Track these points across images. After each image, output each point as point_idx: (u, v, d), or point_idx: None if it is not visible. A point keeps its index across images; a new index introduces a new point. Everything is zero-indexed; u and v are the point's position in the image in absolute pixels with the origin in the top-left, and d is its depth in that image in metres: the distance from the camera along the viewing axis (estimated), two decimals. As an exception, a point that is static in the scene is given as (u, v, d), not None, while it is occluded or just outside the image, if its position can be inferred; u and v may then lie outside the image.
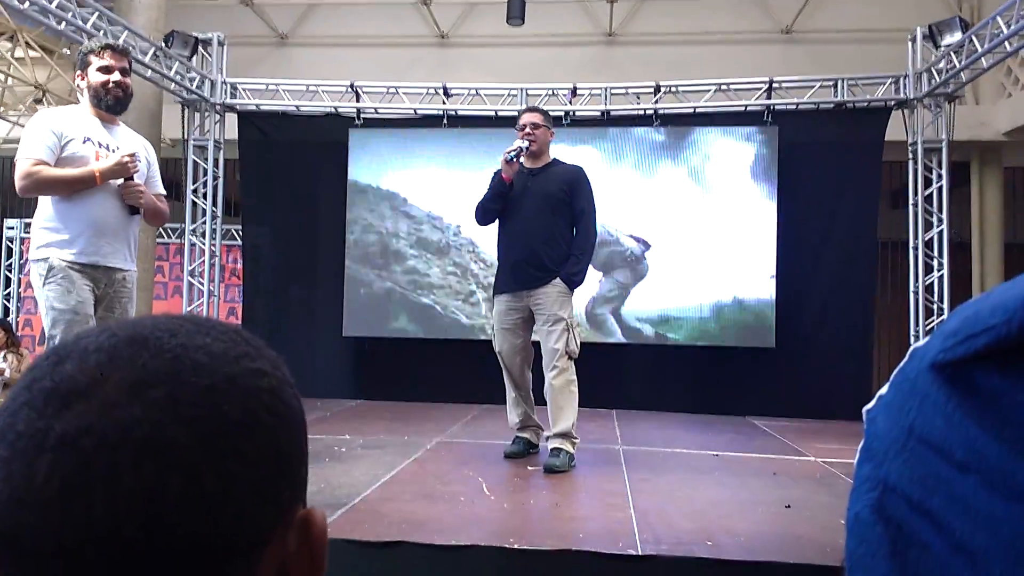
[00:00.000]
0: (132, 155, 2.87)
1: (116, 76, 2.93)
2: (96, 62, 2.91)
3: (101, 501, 0.34)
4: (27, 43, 7.13)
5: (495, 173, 3.75)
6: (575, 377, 3.60)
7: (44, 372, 0.37)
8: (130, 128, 3.16)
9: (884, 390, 0.29)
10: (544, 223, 3.64)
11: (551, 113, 6.01)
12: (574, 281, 3.66)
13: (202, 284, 6.37)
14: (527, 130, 3.68)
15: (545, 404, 3.66)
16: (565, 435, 3.55)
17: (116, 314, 2.96)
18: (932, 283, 5.86)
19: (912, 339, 5.84)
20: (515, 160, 3.62)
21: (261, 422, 0.39)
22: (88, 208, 2.84)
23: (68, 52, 7.27)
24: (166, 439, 0.35)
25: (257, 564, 0.38)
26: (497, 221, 3.79)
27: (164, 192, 3.22)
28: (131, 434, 0.35)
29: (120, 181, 2.89)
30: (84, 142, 2.85)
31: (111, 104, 2.95)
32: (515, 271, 3.66)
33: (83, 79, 2.94)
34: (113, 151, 2.91)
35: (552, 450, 3.55)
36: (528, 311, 3.69)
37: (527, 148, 3.64)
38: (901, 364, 0.29)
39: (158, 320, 0.41)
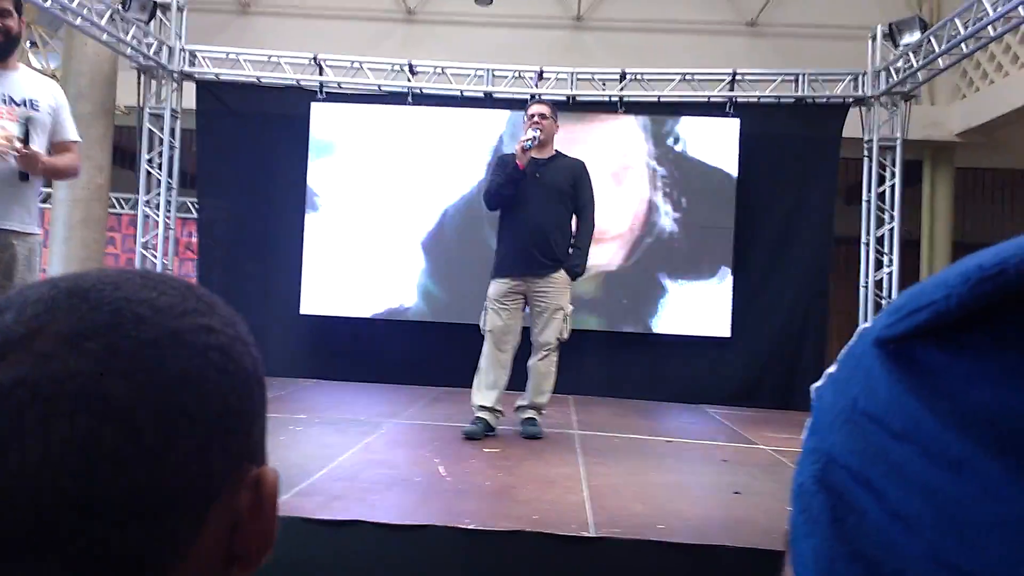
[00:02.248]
0: (8, 138, 2.65)
1: None
2: None
3: (34, 452, 0.33)
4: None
5: (500, 160, 3.91)
6: (556, 359, 3.91)
7: None
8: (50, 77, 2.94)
9: (832, 368, 0.31)
10: (553, 213, 3.82)
11: (515, 97, 6.06)
12: (577, 272, 3.88)
13: (155, 257, 6.22)
14: (536, 120, 3.81)
15: (516, 389, 3.95)
16: (540, 409, 3.94)
17: (15, 282, 2.73)
18: (882, 279, 6.02)
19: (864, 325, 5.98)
20: (530, 149, 3.74)
21: (207, 378, 0.38)
22: None
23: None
24: (102, 391, 0.34)
25: (205, 522, 0.38)
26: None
27: (77, 139, 2.96)
28: (65, 386, 0.34)
29: (13, 150, 2.68)
30: None
31: None
32: (523, 256, 3.80)
33: None
34: (7, 101, 2.72)
35: (528, 419, 3.91)
36: (525, 296, 3.86)
37: (539, 138, 3.76)
38: (849, 343, 0.30)
39: (104, 273, 0.40)
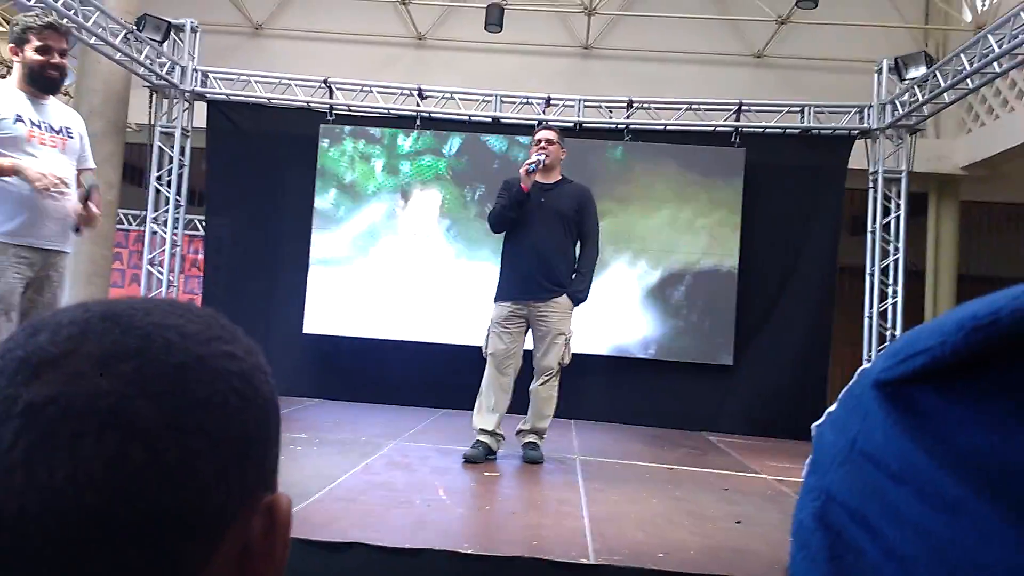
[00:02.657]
0: (60, 182, 2.81)
1: (56, 58, 2.86)
2: (35, 41, 2.82)
3: (63, 468, 0.34)
4: (-7, 17, 6.96)
5: (505, 183, 3.92)
6: (557, 384, 3.89)
7: (18, 343, 0.38)
8: (68, 105, 3.13)
9: (833, 407, 0.31)
10: (557, 238, 3.82)
11: (522, 122, 6.11)
12: (579, 299, 3.87)
13: (161, 273, 6.25)
14: (542, 144, 3.84)
15: (519, 413, 3.93)
16: (541, 434, 3.90)
17: (45, 297, 2.88)
18: (886, 310, 6.01)
19: (865, 363, 5.97)
20: (534, 172, 3.76)
21: (228, 404, 0.39)
22: (30, 192, 2.77)
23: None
24: (131, 412, 0.35)
25: (219, 545, 0.38)
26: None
27: (94, 166, 3.14)
28: (96, 405, 0.35)
29: (67, 178, 2.85)
30: (16, 121, 2.79)
31: (46, 86, 2.89)
32: (527, 281, 3.80)
33: (17, 55, 2.85)
34: (48, 129, 2.88)
35: (529, 443, 3.88)
36: (528, 320, 3.85)
37: (544, 161, 3.77)
38: (850, 383, 0.31)
39: (134, 300, 0.41)
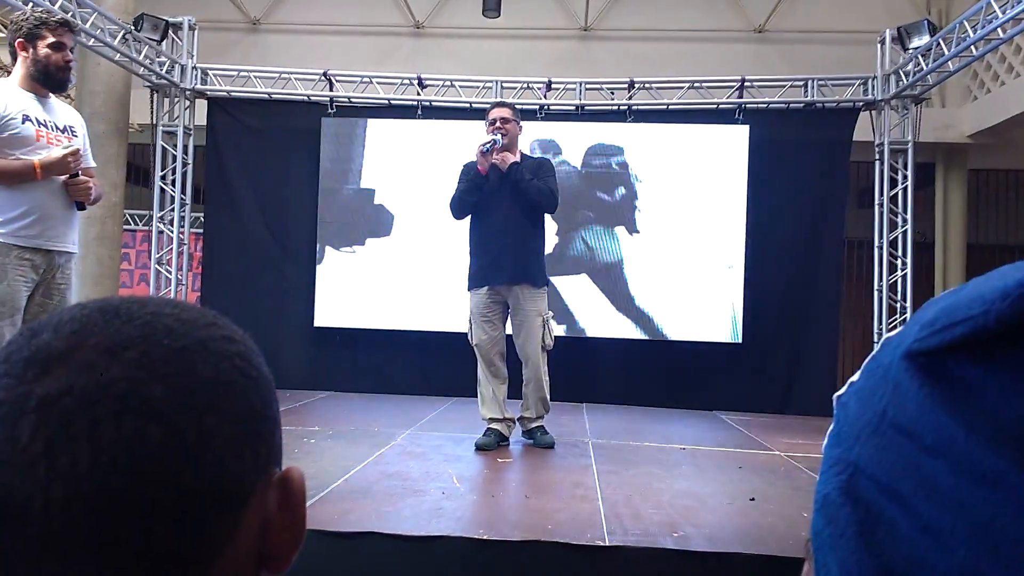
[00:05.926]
0: (75, 152, 2.77)
1: (69, 56, 2.82)
2: (50, 37, 2.77)
3: (85, 455, 0.35)
4: (-9, 22, 6.95)
5: (464, 167, 3.84)
6: (546, 367, 3.83)
7: (20, 344, 0.39)
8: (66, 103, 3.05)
9: (855, 377, 0.30)
10: (520, 218, 3.74)
11: (526, 107, 6.08)
12: (518, 170, 3.67)
13: (169, 272, 6.27)
14: (497, 124, 3.74)
15: (516, 397, 3.89)
16: (544, 415, 3.90)
17: (55, 301, 2.84)
18: (896, 282, 5.98)
19: (875, 336, 5.94)
20: (490, 152, 3.66)
21: (234, 382, 0.40)
22: (33, 189, 2.74)
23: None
24: (143, 395, 0.37)
25: (241, 519, 0.40)
26: (470, 216, 3.86)
27: (95, 165, 3.10)
28: (109, 391, 0.36)
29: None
30: (24, 121, 2.74)
31: (58, 84, 2.85)
32: (495, 265, 3.73)
33: (26, 50, 2.78)
34: (54, 128, 2.83)
35: (538, 428, 3.87)
36: (505, 304, 3.80)
37: (500, 141, 3.68)
38: (873, 352, 0.30)
39: (127, 296, 0.43)
